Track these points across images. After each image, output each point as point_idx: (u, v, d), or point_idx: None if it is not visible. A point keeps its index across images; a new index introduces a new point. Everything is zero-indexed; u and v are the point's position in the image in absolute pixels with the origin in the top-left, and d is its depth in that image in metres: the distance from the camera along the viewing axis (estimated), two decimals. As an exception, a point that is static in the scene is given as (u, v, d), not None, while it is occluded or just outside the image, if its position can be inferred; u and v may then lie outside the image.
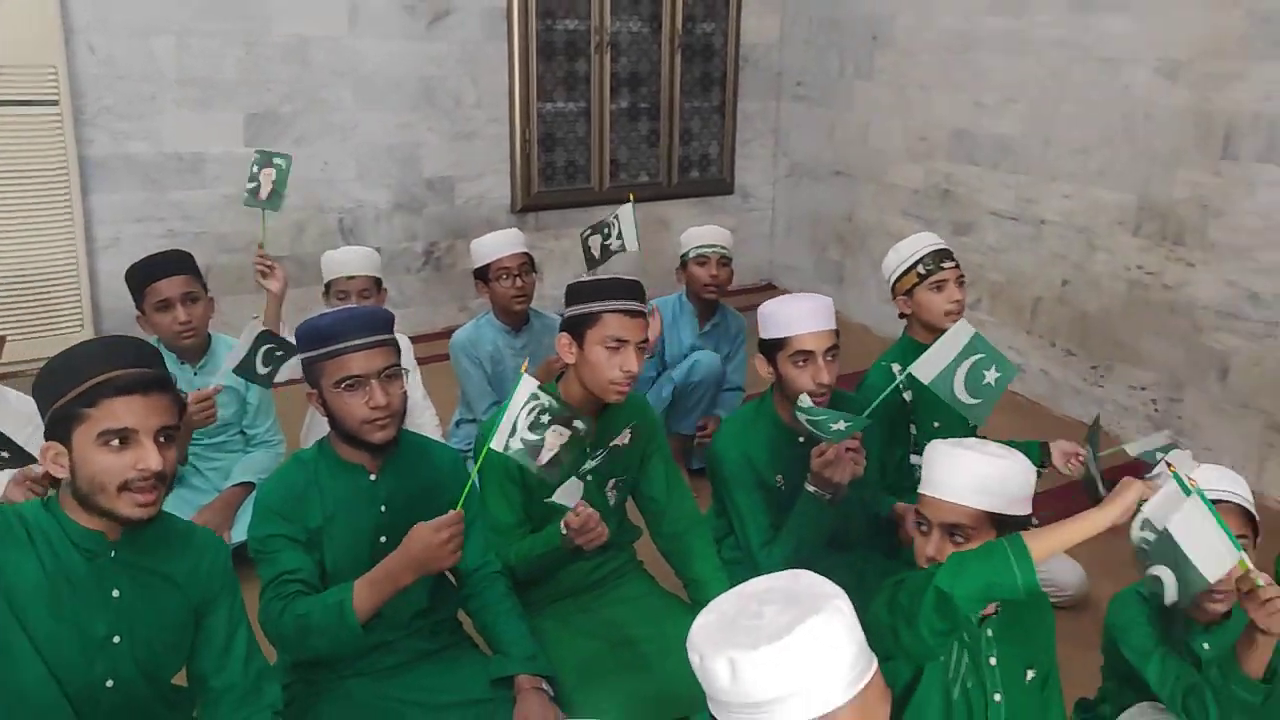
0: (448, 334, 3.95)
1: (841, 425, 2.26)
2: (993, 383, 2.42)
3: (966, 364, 2.41)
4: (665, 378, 3.75)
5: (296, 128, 5.01)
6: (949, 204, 5.15)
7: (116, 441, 1.61)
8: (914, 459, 2.89)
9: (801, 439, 2.53)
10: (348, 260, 3.47)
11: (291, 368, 3.22)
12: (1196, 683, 1.88)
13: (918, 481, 2.47)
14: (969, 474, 1.76)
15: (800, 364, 2.47)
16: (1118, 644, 2.02)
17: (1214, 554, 1.64)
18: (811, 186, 6.20)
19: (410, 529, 2.00)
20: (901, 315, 2.98)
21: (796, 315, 2.51)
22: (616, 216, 3.59)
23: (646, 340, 2.31)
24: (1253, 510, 1.95)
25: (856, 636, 1.21)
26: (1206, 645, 2.00)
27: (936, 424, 2.79)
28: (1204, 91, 3.83)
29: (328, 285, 3.47)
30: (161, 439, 1.65)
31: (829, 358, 2.49)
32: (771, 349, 2.53)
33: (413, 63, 5.22)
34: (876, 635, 1.66)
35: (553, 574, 2.29)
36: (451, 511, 2.00)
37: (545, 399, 2.00)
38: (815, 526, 2.45)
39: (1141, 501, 1.67)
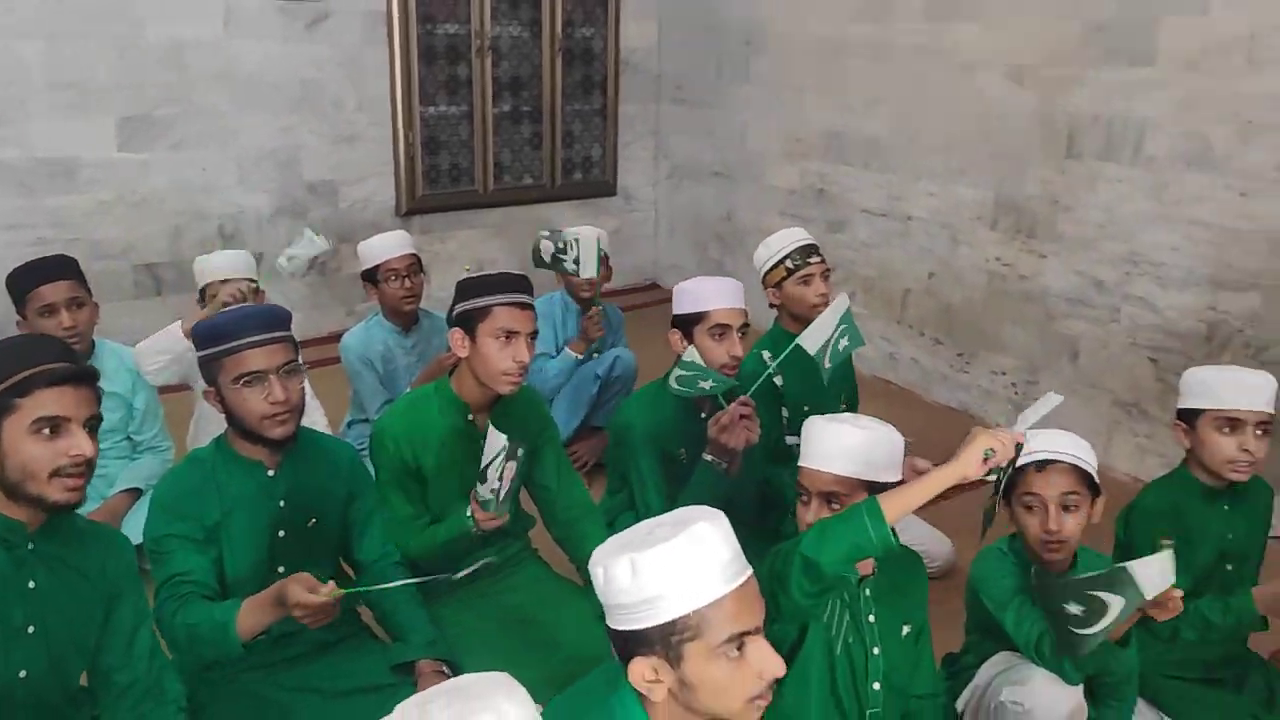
0: (334, 339, 3.98)
1: (708, 384, 2.47)
2: (841, 349, 2.66)
3: (838, 335, 2.64)
4: (589, 375, 3.87)
5: (174, 132, 4.93)
6: (823, 203, 5.37)
7: (48, 430, 1.66)
8: (788, 439, 3.07)
9: (703, 414, 2.70)
10: (221, 265, 3.44)
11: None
12: (1047, 629, 2.08)
13: (793, 458, 2.66)
14: (842, 444, 1.91)
15: (717, 337, 2.69)
16: (979, 596, 2.21)
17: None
18: (692, 187, 6.37)
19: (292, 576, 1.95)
20: (772, 305, 3.16)
21: (715, 292, 2.74)
22: (576, 240, 3.65)
23: (536, 331, 2.41)
24: (1090, 471, 2.16)
25: (733, 543, 1.43)
26: (1054, 595, 2.20)
27: (806, 407, 2.96)
28: (1049, 95, 4.12)
29: (201, 291, 3.45)
30: (88, 428, 1.70)
31: (740, 334, 2.71)
32: (688, 323, 2.71)
33: (291, 65, 5.20)
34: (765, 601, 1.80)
35: (456, 561, 2.37)
36: (325, 598, 1.89)
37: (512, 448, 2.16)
38: (710, 495, 2.58)
39: (988, 452, 1.78)
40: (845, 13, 5.06)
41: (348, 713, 2.15)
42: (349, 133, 5.46)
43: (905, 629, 2.06)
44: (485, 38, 5.74)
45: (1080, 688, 2.10)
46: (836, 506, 1.92)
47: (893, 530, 1.73)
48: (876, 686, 2.00)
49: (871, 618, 2.01)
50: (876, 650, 2.01)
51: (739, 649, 1.39)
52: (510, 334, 2.34)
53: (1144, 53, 3.75)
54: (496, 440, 2.16)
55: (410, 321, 3.64)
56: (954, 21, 4.50)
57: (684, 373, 2.59)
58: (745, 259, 5.96)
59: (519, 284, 2.42)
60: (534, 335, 2.40)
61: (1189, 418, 2.41)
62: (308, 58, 5.23)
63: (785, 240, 3.13)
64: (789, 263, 3.07)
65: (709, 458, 2.60)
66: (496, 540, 2.49)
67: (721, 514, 1.45)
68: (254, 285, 3.42)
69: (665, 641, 1.38)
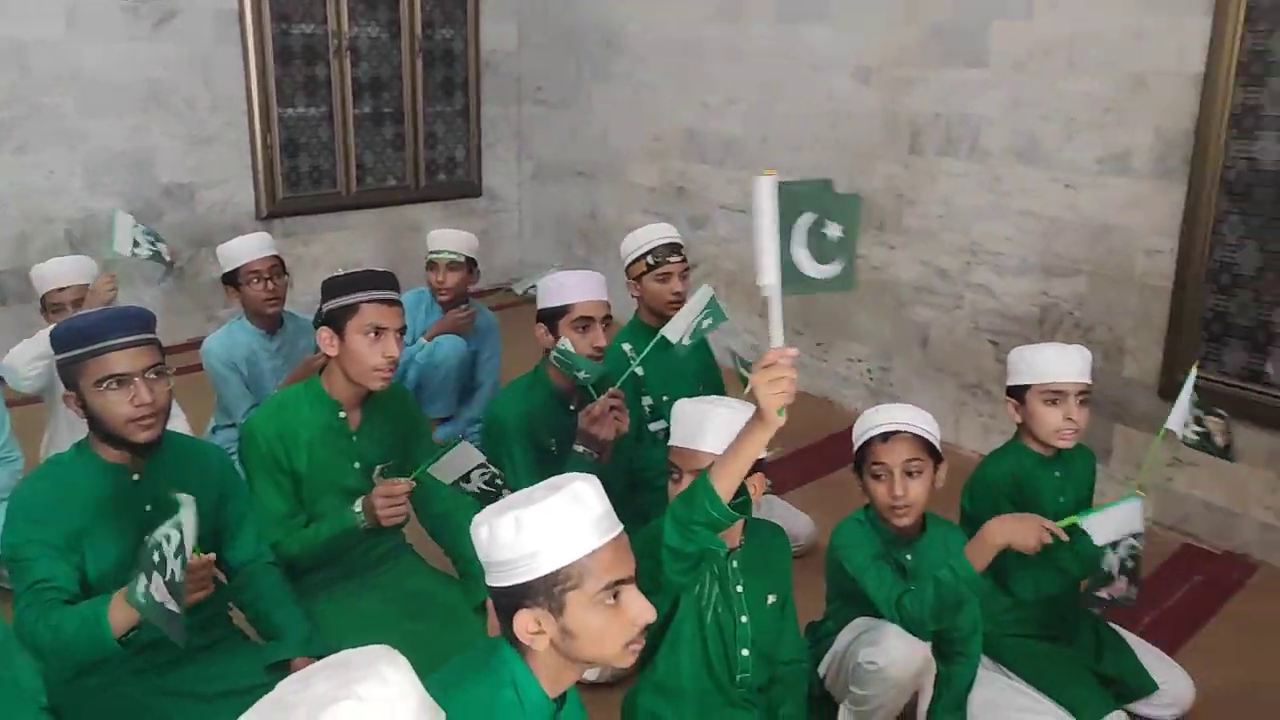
0: (193, 345, 3.89)
1: (582, 373, 2.64)
2: (703, 328, 2.82)
3: (701, 320, 2.79)
4: (409, 362, 3.86)
5: (16, 135, 4.73)
6: (684, 200, 5.52)
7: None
8: (651, 426, 3.18)
9: (573, 407, 2.77)
10: (60, 272, 3.35)
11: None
12: (903, 590, 2.23)
13: (657, 443, 2.76)
14: (710, 424, 2.02)
15: (580, 329, 2.76)
16: (841, 563, 2.35)
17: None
18: (556, 187, 6.44)
19: None
20: (633, 297, 3.26)
21: (577, 285, 2.82)
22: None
23: (404, 327, 2.44)
24: (931, 439, 2.32)
25: (605, 502, 1.54)
26: (909, 557, 2.36)
27: (665, 397, 3.08)
28: (893, 94, 4.35)
29: (42, 300, 3.35)
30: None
31: (604, 325, 2.79)
32: (553, 316, 2.77)
33: (139, 66, 5.04)
34: (642, 577, 1.89)
35: (339, 558, 2.38)
36: (198, 559, 2.00)
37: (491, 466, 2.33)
38: None
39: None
40: (700, 14, 5.21)
41: (223, 715, 2.13)
42: (205, 134, 5.33)
43: (771, 598, 2.18)
44: (343, 38, 5.68)
45: (929, 645, 2.26)
46: None
47: (749, 500, 1.83)
48: (745, 653, 2.11)
49: (739, 588, 2.12)
50: (745, 619, 2.12)
51: (615, 597, 1.50)
52: (379, 330, 2.37)
53: (977, 55, 4.00)
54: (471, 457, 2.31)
55: (274, 324, 3.60)
56: (804, 24, 4.69)
57: (560, 359, 2.70)
58: (611, 256, 6.07)
59: (385, 280, 2.44)
60: (402, 331, 2.43)
61: (1018, 393, 2.60)
62: (155, 57, 5.09)
63: (650, 235, 3.23)
64: (650, 258, 3.18)
65: (580, 448, 2.68)
66: (375, 536, 2.51)
67: (594, 476, 1.56)
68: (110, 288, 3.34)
69: (548, 592, 1.47)
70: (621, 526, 1.56)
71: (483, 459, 2.35)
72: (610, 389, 2.75)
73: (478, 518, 1.52)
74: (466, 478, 2.37)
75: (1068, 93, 3.72)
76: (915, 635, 2.24)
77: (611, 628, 1.51)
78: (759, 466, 2.08)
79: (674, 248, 3.20)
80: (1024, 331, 3.97)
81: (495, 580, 1.51)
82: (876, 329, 4.59)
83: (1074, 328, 3.82)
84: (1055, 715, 2.43)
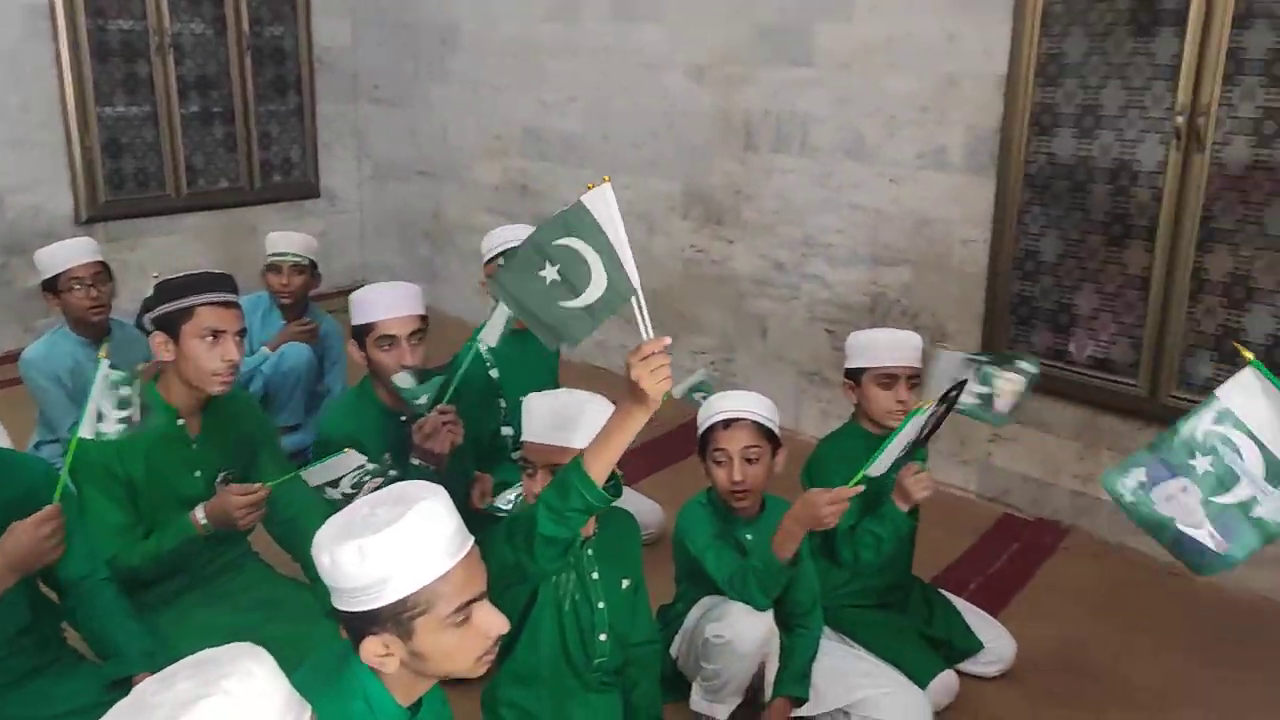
0: (10, 358, 3.69)
1: (423, 400, 2.54)
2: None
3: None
4: (255, 372, 3.77)
5: None
6: (527, 198, 5.54)
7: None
8: (505, 430, 3.19)
9: (404, 418, 2.75)
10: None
11: None
12: (741, 566, 2.34)
13: (506, 449, 2.79)
14: (559, 417, 2.06)
15: (385, 348, 2.68)
16: (685, 545, 2.44)
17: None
18: (397, 187, 6.36)
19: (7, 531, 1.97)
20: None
21: (380, 302, 2.73)
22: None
23: (244, 330, 2.39)
24: (770, 426, 2.43)
25: (455, 517, 1.49)
26: (749, 536, 2.47)
27: (522, 399, 3.09)
28: (726, 93, 4.49)
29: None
30: None
31: (414, 341, 2.70)
32: (361, 334, 2.71)
33: (-61, 63, 4.74)
34: (503, 572, 1.93)
35: (182, 569, 2.31)
36: (48, 506, 2.01)
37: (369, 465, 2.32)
38: None
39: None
40: (536, 13, 5.24)
41: (66, 736, 2.06)
42: (13, 136, 5.04)
43: (625, 583, 2.25)
44: (165, 35, 5.46)
45: (770, 615, 2.37)
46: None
47: (620, 483, 1.89)
48: (603, 638, 2.17)
49: (595, 575, 2.17)
50: (601, 604, 2.18)
51: (466, 617, 1.47)
52: (217, 333, 2.31)
53: (804, 54, 4.17)
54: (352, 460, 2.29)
55: (100, 333, 3.45)
56: (637, 23, 4.78)
57: (399, 391, 2.63)
58: (455, 256, 6.07)
59: (222, 282, 2.38)
60: (242, 333, 2.38)
61: (854, 376, 2.75)
62: (-42, 54, 4.79)
63: (508, 235, 3.23)
64: (501, 259, 3.18)
65: (416, 461, 2.67)
66: (218, 545, 2.45)
67: (441, 489, 1.51)
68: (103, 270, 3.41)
69: (395, 619, 1.43)
70: (472, 540, 1.53)
71: (363, 460, 2.34)
72: (440, 405, 2.73)
73: (317, 541, 1.45)
74: (335, 483, 2.36)
75: (888, 92, 3.92)
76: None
77: (463, 645, 1.49)
78: None
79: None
80: (856, 319, 4.16)
81: (339, 605, 1.46)
82: (719, 321, 4.73)
83: (901, 314, 4.03)
84: (891, 678, 2.58)
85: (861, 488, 2.32)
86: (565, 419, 2.06)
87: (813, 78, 4.16)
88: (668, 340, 1.77)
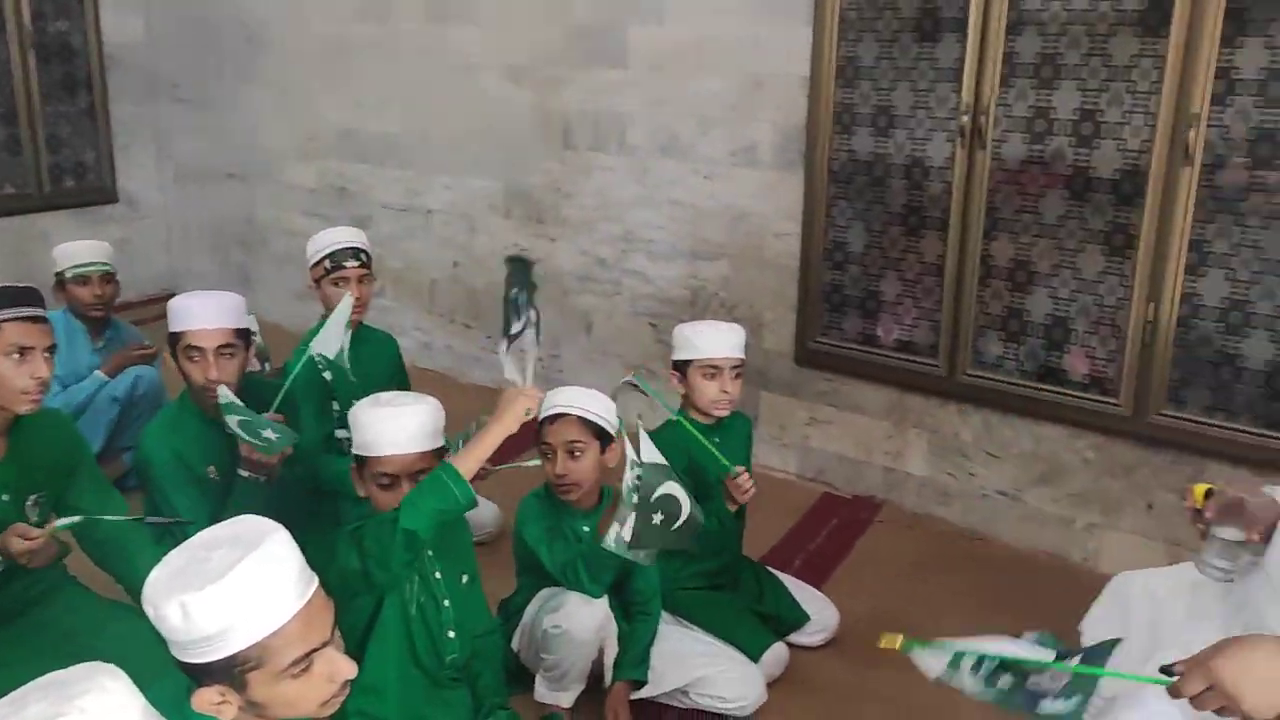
0: None
1: (271, 435, 2.49)
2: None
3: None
4: (106, 398, 3.60)
5: None
6: (346, 200, 5.44)
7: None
8: (339, 433, 3.15)
9: (228, 430, 2.68)
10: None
11: None
12: (573, 556, 2.41)
13: (343, 452, 2.76)
14: (401, 427, 2.08)
15: (193, 359, 2.60)
16: (523, 537, 2.50)
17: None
18: (205, 190, 6.11)
19: None
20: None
21: (191, 311, 2.64)
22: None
23: (54, 346, 2.29)
24: (596, 420, 2.51)
25: (296, 558, 1.41)
26: (586, 528, 2.54)
27: (355, 400, 3.06)
28: (544, 93, 4.54)
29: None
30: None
31: (224, 354, 2.61)
32: (173, 343, 2.64)
33: None
34: (346, 580, 1.93)
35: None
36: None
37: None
38: (254, 508, 2.61)
39: (528, 410, 2.10)
40: (347, 13, 5.15)
41: None
42: None
43: (464, 578, 2.29)
44: (-64, 31, 5.08)
45: (605, 602, 2.47)
46: (420, 477, 2.07)
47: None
48: (451, 635, 2.21)
49: (438, 574, 2.20)
50: (447, 602, 2.21)
51: (305, 668, 1.39)
52: (24, 350, 2.20)
53: (617, 56, 4.27)
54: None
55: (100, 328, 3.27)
56: (452, 24, 4.77)
57: (241, 426, 2.53)
58: (269, 260, 5.90)
59: (28, 296, 2.27)
60: (52, 349, 2.27)
61: (681, 368, 2.87)
62: None
63: (329, 239, 3.17)
64: (328, 263, 3.13)
65: (245, 473, 2.62)
66: (28, 573, 2.34)
67: (280, 527, 1.43)
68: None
69: (228, 673, 1.36)
70: (315, 582, 1.44)
71: None
72: (268, 414, 2.67)
73: (147, 587, 1.35)
74: None
75: (699, 92, 4.07)
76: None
77: (305, 693, 1.41)
78: (445, 451, 2.20)
79: (351, 253, 3.16)
80: (678, 313, 4.30)
81: (170, 650, 1.38)
82: (546, 320, 4.76)
83: (720, 306, 4.19)
84: (728, 655, 2.71)
85: None
86: (404, 427, 2.08)
87: (627, 79, 4.27)
88: (542, 395, 2.21)
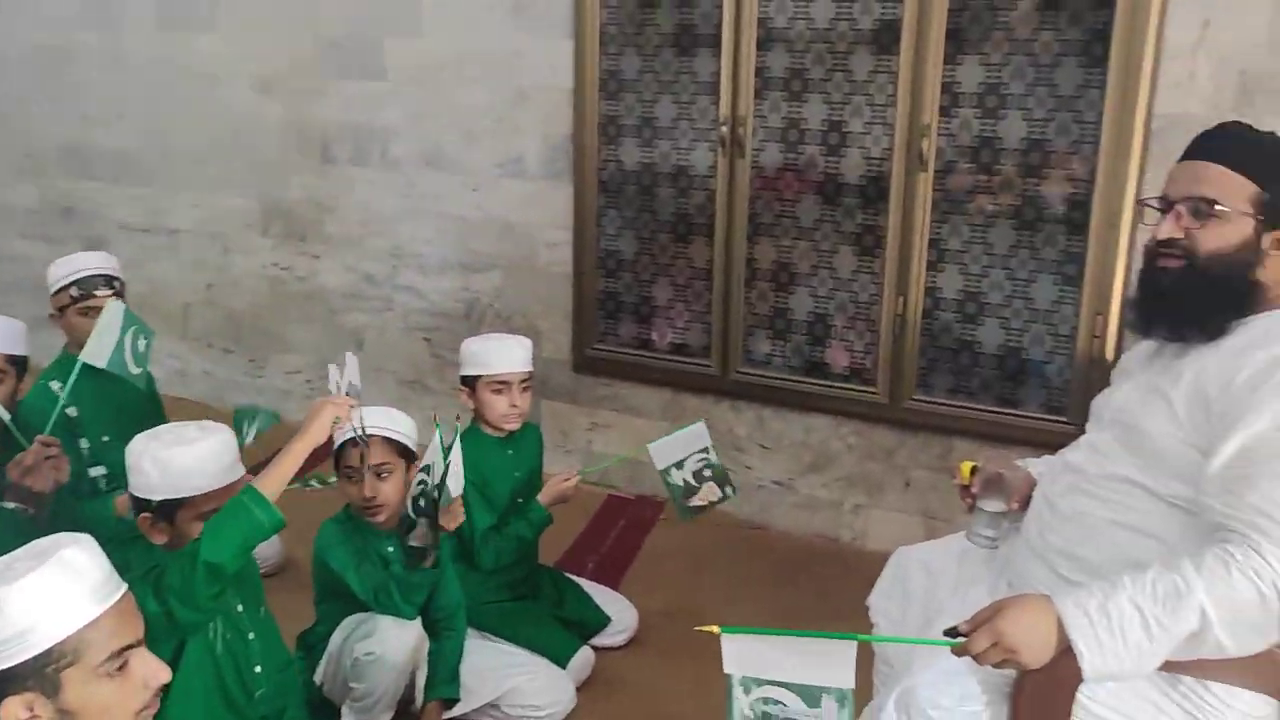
0: None
1: None
2: (141, 350, 2.76)
3: (129, 339, 2.70)
4: None
5: None
6: (74, 220, 5.03)
7: None
8: (92, 471, 2.93)
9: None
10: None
11: None
12: (383, 579, 2.37)
13: (100, 491, 2.59)
14: (218, 459, 1.97)
15: None
16: (327, 563, 2.43)
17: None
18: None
19: None
20: (61, 329, 2.97)
21: None
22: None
23: None
24: (400, 440, 2.48)
25: (104, 563, 1.44)
26: (390, 549, 2.50)
27: (106, 438, 2.85)
28: (298, 106, 4.38)
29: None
30: None
31: None
32: None
33: None
34: (146, 627, 1.80)
35: None
36: None
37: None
38: (16, 544, 2.39)
39: (336, 420, 2.05)
40: (66, 20, 4.76)
41: None
42: None
43: (262, 610, 2.20)
44: None
45: (419, 623, 2.44)
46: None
47: None
48: (258, 669, 2.11)
49: (239, 607, 2.10)
50: (252, 635, 2.12)
51: (121, 666, 1.40)
52: None
53: (375, 69, 4.19)
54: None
55: None
56: (189, 33, 4.52)
57: None
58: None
59: None
60: None
61: (469, 383, 2.86)
62: None
63: (79, 264, 2.93)
64: (75, 290, 2.89)
65: (11, 505, 2.40)
66: None
67: (88, 536, 1.45)
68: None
69: (39, 674, 1.34)
70: (125, 587, 1.47)
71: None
72: (40, 435, 2.49)
73: None
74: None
75: (463, 105, 4.06)
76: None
77: (121, 698, 1.41)
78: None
79: (106, 280, 2.94)
80: (452, 326, 4.27)
81: None
82: (310, 339, 4.62)
83: (496, 317, 4.20)
84: (536, 664, 2.74)
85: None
86: (222, 458, 1.99)
87: (387, 91, 4.19)
88: (353, 403, 2.14)
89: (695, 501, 2.95)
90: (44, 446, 2.44)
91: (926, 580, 2.25)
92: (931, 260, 3.37)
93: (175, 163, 4.72)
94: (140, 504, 2.02)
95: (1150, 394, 1.87)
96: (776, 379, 3.69)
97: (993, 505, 2.07)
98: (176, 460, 1.98)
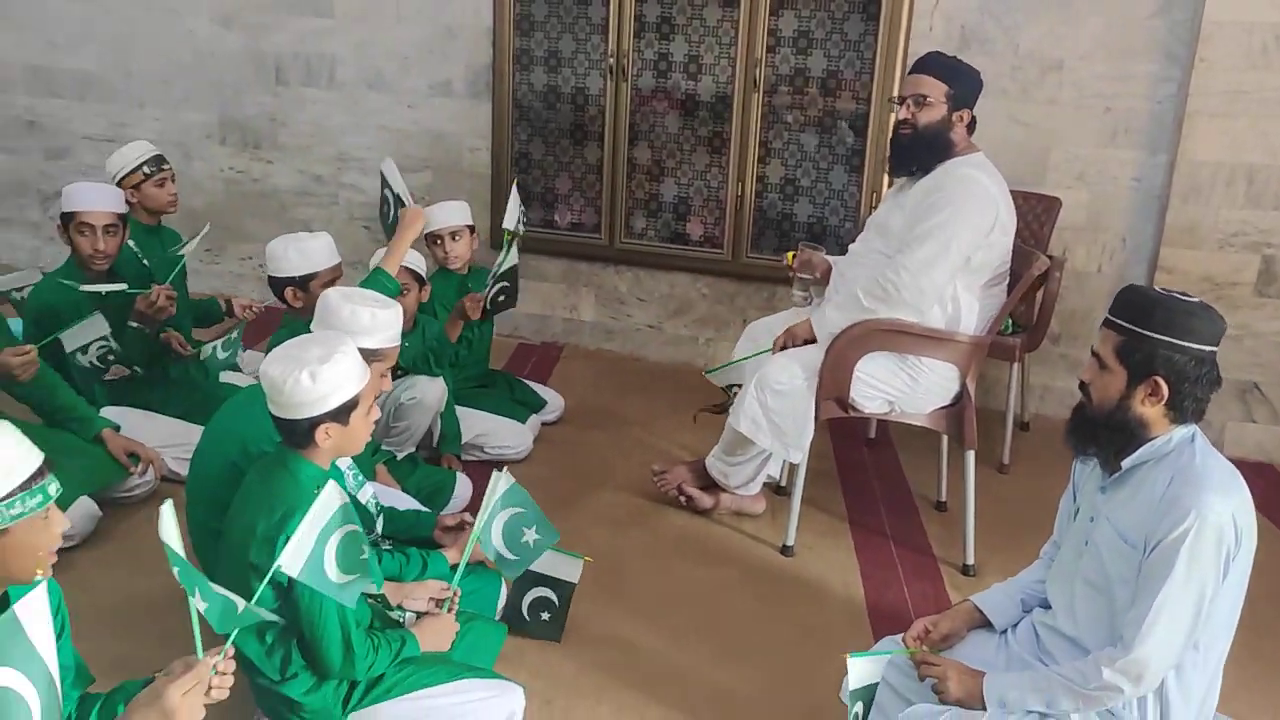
0: None
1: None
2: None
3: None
4: None
5: None
6: (35, 132, 5.80)
7: None
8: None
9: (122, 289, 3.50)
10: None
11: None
12: (423, 350, 3.55)
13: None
14: (322, 248, 3.09)
15: (84, 234, 3.49)
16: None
17: None
18: None
19: None
20: (128, 204, 3.87)
21: (82, 194, 3.49)
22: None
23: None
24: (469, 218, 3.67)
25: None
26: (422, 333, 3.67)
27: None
28: (255, 37, 5.35)
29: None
30: None
31: (109, 233, 3.49)
32: (66, 220, 3.49)
33: None
34: None
35: None
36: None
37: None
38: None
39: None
40: (37, -44, 5.52)
41: None
42: None
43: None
44: None
45: (443, 379, 3.65)
46: None
47: None
48: None
49: None
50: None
51: (47, 515, 1.67)
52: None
53: (323, 7, 5.21)
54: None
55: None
56: (155, -28, 5.40)
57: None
58: None
59: None
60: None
61: (429, 239, 4.03)
62: None
63: (140, 150, 3.88)
64: (146, 167, 3.87)
65: (134, 324, 3.48)
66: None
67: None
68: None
69: None
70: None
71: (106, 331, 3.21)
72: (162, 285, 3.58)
73: None
74: (85, 349, 3.21)
75: (400, 38, 5.15)
76: None
77: (45, 540, 1.68)
78: None
79: (163, 159, 3.93)
80: (388, 217, 5.36)
81: None
82: (264, 230, 5.59)
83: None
84: (505, 420, 3.98)
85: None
86: (333, 249, 3.14)
87: (334, 26, 5.23)
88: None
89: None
90: (168, 290, 3.53)
91: (767, 333, 3.61)
92: (761, 156, 4.75)
93: (138, 83, 5.58)
94: (282, 282, 3.14)
95: None
96: (649, 247, 5.01)
97: (804, 274, 3.45)
98: (309, 246, 3.11)
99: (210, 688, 1.76)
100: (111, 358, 3.43)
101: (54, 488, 1.68)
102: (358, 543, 2.03)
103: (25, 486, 1.63)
